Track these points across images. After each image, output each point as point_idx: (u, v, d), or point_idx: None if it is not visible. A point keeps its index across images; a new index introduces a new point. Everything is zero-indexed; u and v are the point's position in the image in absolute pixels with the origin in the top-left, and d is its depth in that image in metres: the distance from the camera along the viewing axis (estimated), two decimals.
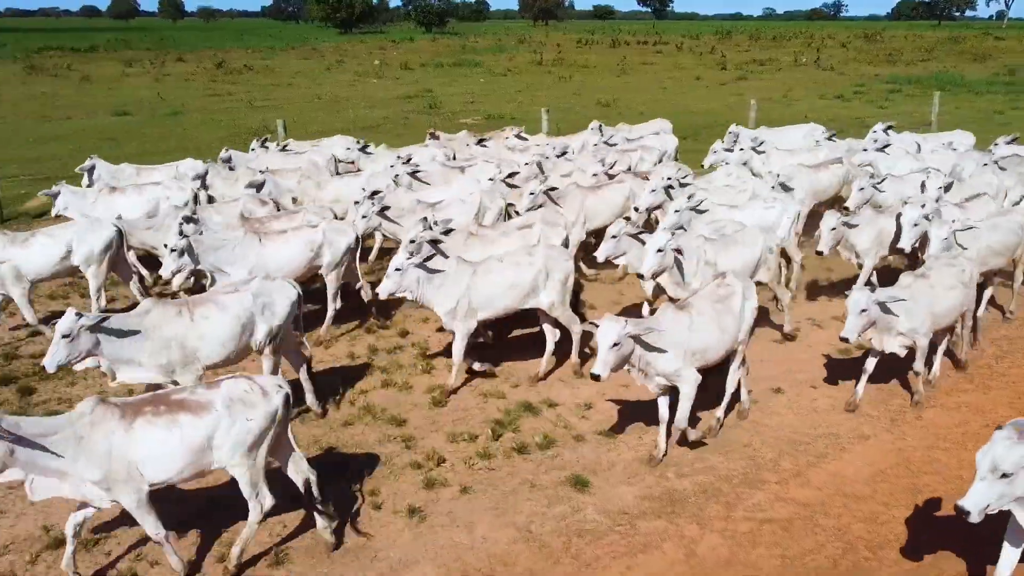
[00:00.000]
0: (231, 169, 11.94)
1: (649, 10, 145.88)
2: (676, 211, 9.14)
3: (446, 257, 7.59)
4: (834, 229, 8.80)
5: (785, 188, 10.30)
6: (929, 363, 7.73)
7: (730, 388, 7.09)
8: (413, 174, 10.97)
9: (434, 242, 7.71)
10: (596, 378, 5.93)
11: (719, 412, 7.12)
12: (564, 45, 64.13)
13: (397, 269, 7.29)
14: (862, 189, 10.10)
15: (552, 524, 5.93)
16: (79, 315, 5.91)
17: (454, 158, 12.75)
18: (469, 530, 5.85)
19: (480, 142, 13.71)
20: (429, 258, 7.43)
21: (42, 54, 55.96)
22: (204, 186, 10.91)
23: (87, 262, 8.74)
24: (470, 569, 5.47)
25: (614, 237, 7.90)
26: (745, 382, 7.29)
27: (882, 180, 10.44)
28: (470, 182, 10.73)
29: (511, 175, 10.73)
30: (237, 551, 5.30)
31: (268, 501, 5.28)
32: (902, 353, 7.28)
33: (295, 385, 6.65)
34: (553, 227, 8.84)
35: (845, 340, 6.89)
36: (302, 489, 5.49)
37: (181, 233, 8.03)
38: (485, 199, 9.89)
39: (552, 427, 7.20)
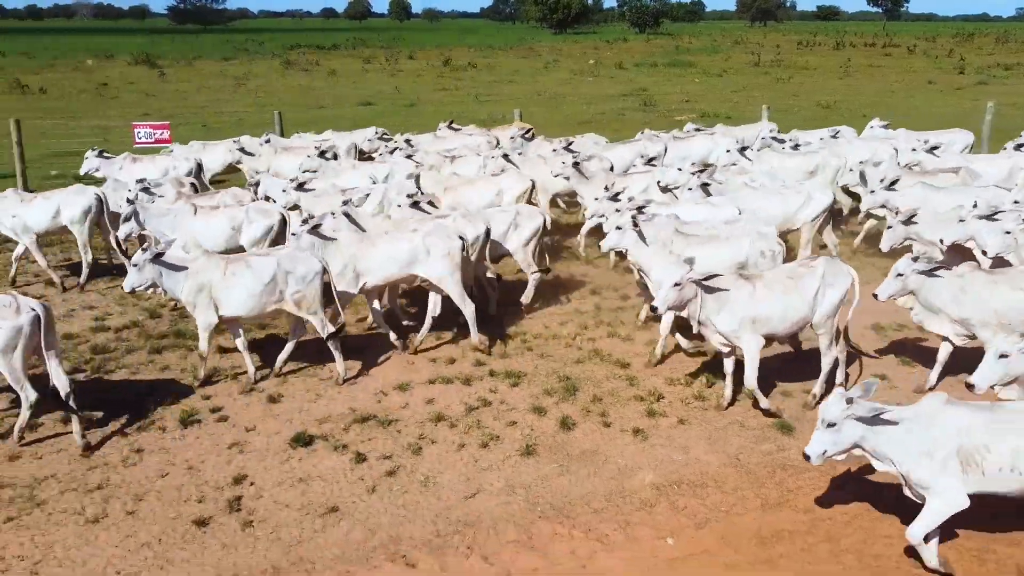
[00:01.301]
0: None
1: (880, 11, 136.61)
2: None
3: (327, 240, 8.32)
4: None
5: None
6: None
7: (825, 367, 7.37)
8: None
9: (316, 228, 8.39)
10: (654, 310, 6.74)
11: (816, 388, 7.50)
12: (783, 46, 62.44)
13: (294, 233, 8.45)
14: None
15: (759, 457, 6.77)
16: (145, 249, 7.58)
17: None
18: (685, 451, 6.83)
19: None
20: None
21: (293, 51, 62.59)
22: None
23: (71, 222, 10.55)
24: (684, 480, 6.45)
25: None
26: (843, 362, 7.58)
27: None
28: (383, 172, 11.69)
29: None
30: (15, 433, 6.78)
31: (32, 395, 6.59)
32: (958, 341, 7.21)
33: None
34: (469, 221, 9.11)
35: (875, 296, 7.21)
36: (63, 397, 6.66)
37: (128, 201, 9.42)
38: (391, 191, 10.38)
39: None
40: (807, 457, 5.19)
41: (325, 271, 7.91)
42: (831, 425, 5.14)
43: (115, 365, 8.45)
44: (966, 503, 5.01)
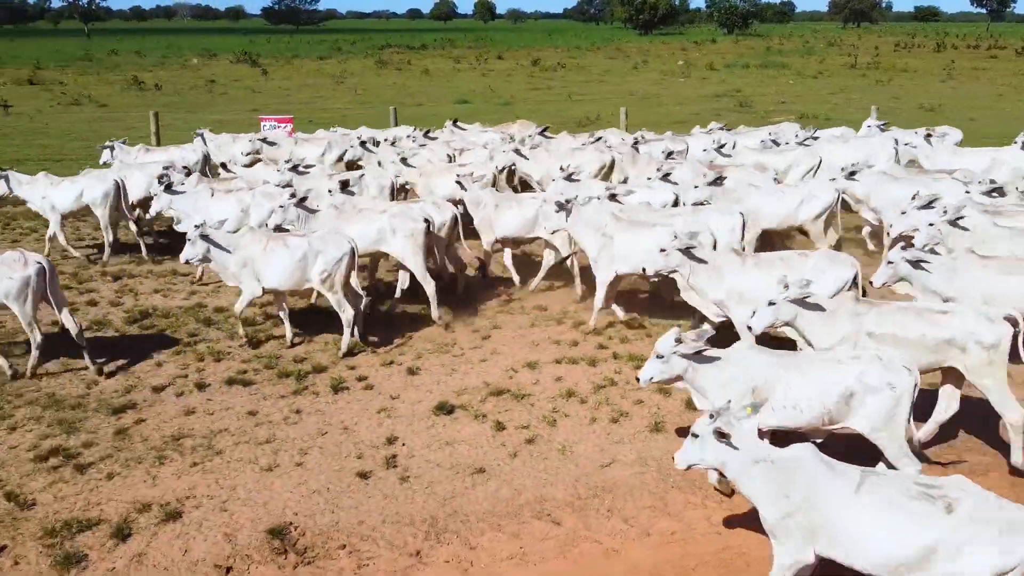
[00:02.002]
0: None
1: (984, 11, 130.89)
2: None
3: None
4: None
5: None
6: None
7: None
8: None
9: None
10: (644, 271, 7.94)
11: None
12: (881, 48, 60.77)
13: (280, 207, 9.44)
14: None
15: None
16: (198, 226, 8.52)
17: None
18: None
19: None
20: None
21: (384, 51, 64.26)
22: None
23: (94, 204, 11.56)
24: None
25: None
26: None
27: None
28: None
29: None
30: (28, 371, 8.04)
31: (39, 337, 7.89)
32: None
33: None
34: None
35: (871, 284, 7.57)
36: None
37: (159, 181, 10.69)
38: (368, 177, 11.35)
39: None
40: (638, 379, 6.04)
41: (353, 253, 8.62)
42: (660, 357, 5.91)
43: (264, 335, 9.20)
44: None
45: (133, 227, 12.14)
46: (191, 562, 5.53)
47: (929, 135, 13.43)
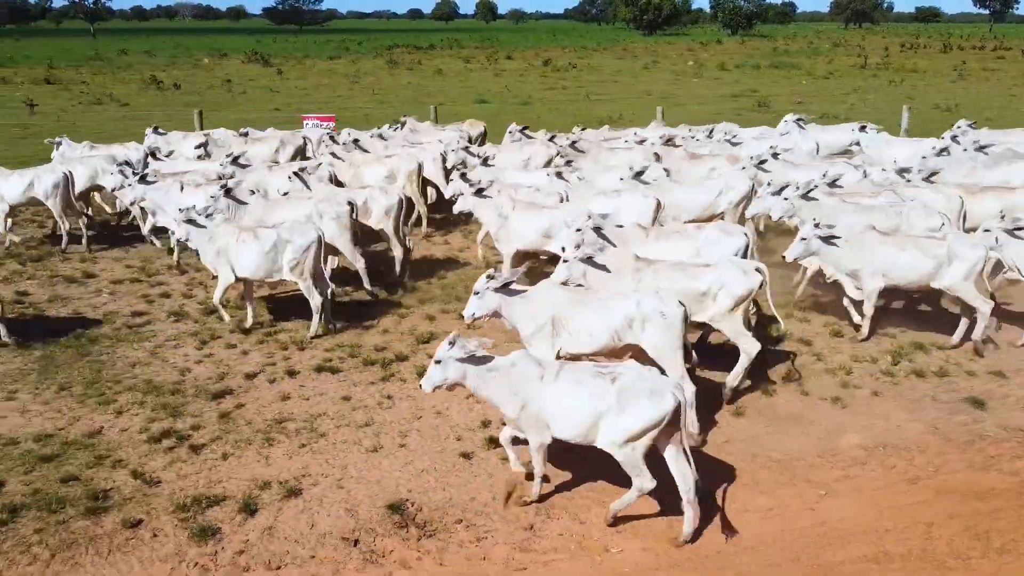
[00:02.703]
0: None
1: (987, 11, 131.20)
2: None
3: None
4: None
5: None
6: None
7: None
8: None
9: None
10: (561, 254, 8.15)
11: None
12: (888, 49, 61.18)
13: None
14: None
15: (955, 426, 7.29)
16: (183, 210, 9.24)
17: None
18: (885, 419, 7.40)
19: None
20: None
21: (392, 51, 64.55)
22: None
23: (44, 195, 12.03)
24: (888, 443, 7.03)
25: None
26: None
27: None
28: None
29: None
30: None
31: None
32: (854, 295, 8.94)
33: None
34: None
35: (784, 258, 8.81)
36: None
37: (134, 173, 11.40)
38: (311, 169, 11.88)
39: (943, 363, 8.48)
40: (462, 316, 6.94)
41: (320, 241, 9.04)
42: (477, 293, 6.86)
43: (341, 325, 9.51)
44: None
45: (83, 220, 12.62)
46: (319, 535, 5.83)
47: (864, 127, 15.29)
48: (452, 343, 5.91)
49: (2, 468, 6.53)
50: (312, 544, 5.74)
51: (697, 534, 5.83)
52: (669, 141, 14.30)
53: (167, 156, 13.94)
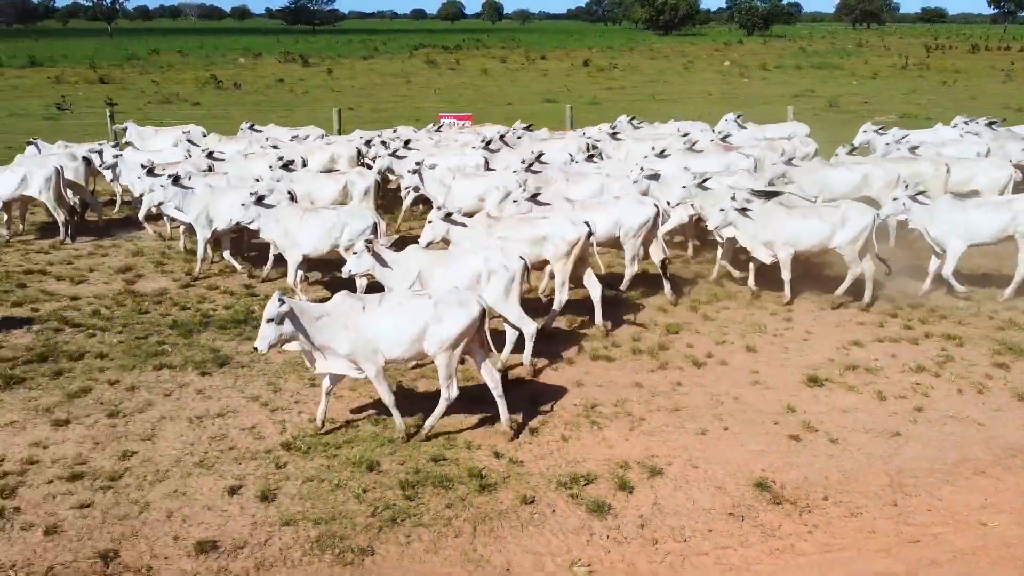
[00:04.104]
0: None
1: (1000, 12, 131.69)
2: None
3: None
4: None
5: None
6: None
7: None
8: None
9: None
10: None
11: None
12: (911, 49, 61.73)
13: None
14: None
15: None
16: (170, 176, 10.97)
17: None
18: None
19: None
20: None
21: (420, 51, 64.80)
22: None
23: (37, 190, 12.52)
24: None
25: None
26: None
27: None
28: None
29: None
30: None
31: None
32: (765, 259, 10.10)
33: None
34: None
35: (706, 227, 10.50)
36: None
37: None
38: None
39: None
40: (340, 272, 8.03)
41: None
42: (355, 253, 7.97)
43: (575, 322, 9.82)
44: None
45: (62, 214, 13.04)
46: (703, 510, 6.14)
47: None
48: (281, 300, 6.45)
49: (367, 449, 6.84)
50: (704, 518, 6.06)
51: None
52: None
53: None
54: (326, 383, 7.08)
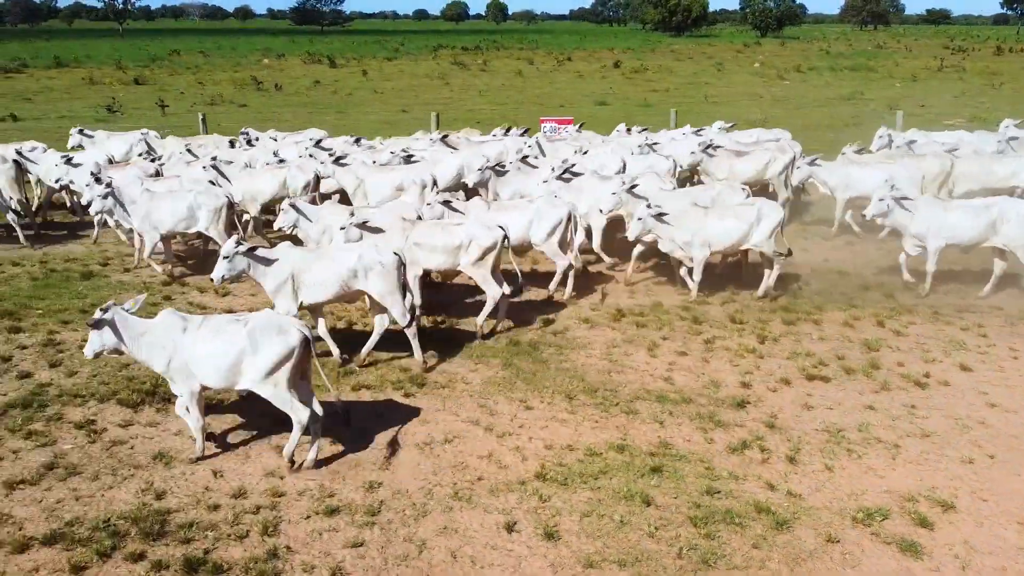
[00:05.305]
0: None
1: (1009, 12, 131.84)
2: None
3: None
4: None
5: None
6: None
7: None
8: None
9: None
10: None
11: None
12: (931, 51, 61.53)
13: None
14: None
15: None
16: (104, 184, 10.95)
17: None
18: None
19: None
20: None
21: (440, 54, 64.34)
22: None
23: None
24: None
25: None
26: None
27: None
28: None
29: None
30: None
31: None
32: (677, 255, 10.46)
33: None
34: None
35: (628, 237, 10.41)
36: None
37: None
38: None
39: None
40: (212, 279, 7.88)
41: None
42: (226, 258, 7.73)
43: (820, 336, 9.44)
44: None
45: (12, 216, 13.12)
46: (1017, 548, 5.73)
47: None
48: (105, 310, 6.38)
49: (627, 480, 6.44)
50: (1022, 558, 5.67)
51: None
52: None
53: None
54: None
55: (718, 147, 13.67)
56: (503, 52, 66.97)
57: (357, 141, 14.83)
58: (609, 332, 9.53)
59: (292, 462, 6.59)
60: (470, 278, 9.47)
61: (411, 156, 13.32)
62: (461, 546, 5.70)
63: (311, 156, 13.36)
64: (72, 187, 13.53)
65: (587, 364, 8.65)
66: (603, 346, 9.13)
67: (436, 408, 7.67)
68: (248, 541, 5.72)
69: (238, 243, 7.84)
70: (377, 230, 9.16)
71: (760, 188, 13.95)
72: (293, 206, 9.79)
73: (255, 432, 7.19)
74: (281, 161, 13.29)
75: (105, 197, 11.01)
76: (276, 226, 9.38)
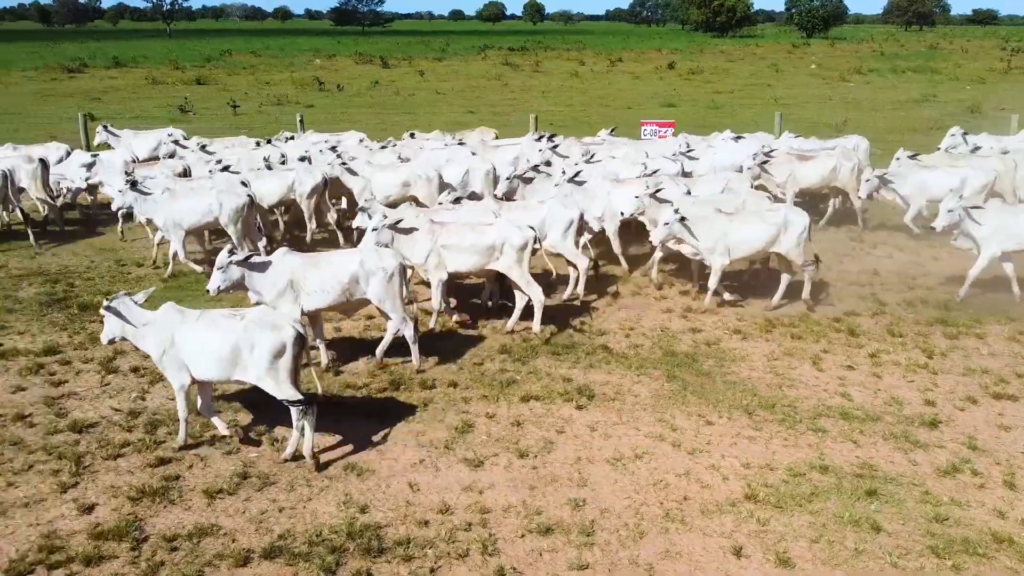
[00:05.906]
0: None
1: None
2: None
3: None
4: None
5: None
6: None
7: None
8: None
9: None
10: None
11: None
12: (986, 51, 60.21)
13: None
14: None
15: None
16: (128, 182, 11.19)
17: None
18: None
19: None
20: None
21: (489, 54, 64.23)
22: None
23: None
24: None
25: None
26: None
27: None
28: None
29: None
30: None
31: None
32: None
33: None
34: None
35: (651, 242, 10.28)
36: None
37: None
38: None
39: None
40: (207, 291, 7.68)
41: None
42: (220, 268, 7.53)
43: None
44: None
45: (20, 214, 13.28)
46: None
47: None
48: (113, 298, 6.62)
49: (846, 504, 6.17)
50: None
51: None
52: None
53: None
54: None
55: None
56: (551, 53, 66.71)
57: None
58: (764, 344, 9.24)
59: (309, 458, 6.60)
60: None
61: (590, 156, 13.11)
62: (692, 571, 5.47)
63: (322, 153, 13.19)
64: (101, 188, 13.74)
65: (752, 377, 8.38)
66: (762, 359, 8.85)
67: (614, 422, 7.46)
68: (470, 560, 5.54)
69: (230, 252, 7.69)
70: (411, 230, 8.97)
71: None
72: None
73: (444, 442, 7.03)
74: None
75: (129, 190, 11.06)
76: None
